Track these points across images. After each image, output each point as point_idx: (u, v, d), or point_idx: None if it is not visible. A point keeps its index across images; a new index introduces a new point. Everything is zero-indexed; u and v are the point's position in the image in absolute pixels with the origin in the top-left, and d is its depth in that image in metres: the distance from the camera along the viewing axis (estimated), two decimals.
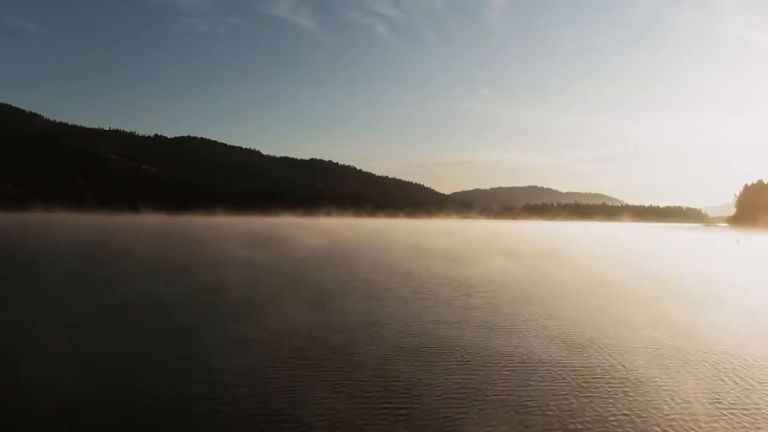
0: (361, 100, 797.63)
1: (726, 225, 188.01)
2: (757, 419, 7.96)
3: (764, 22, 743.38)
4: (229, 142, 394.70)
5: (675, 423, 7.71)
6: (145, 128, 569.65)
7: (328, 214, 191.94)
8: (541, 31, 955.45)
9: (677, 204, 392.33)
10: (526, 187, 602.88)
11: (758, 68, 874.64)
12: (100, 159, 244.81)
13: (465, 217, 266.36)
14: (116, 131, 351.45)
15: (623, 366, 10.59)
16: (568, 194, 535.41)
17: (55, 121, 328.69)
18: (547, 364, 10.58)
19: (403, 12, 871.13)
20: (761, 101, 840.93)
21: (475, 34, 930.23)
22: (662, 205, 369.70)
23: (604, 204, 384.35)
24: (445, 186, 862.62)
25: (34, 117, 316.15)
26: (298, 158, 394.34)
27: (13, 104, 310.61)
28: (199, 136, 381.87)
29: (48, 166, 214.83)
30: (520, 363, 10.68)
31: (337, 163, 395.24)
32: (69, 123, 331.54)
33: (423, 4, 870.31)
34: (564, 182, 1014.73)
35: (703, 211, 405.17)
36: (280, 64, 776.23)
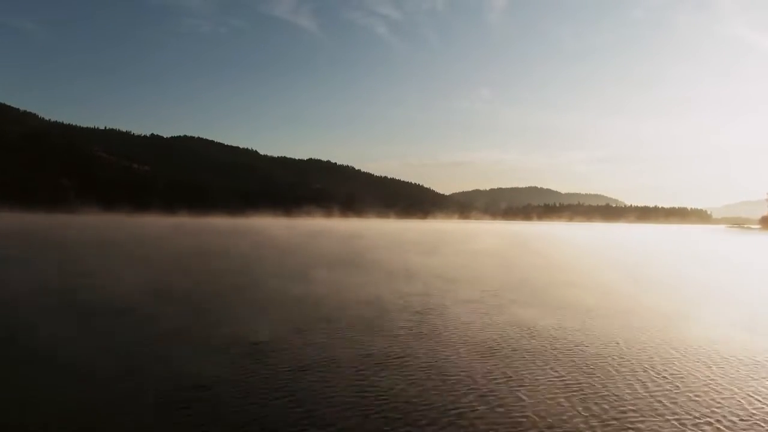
0: (361, 101, 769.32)
1: (758, 227, 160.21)
2: None
3: (764, 24, 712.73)
4: (226, 142, 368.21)
5: None
6: (142, 128, 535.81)
7: (309, 214, 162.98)
8: (542, 32, 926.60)
9: (680, 205, 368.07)
10: (525, 188, 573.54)
11: (758, 70, 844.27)
12: (86, 158, 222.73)
13: (466, 218, 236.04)
14: (112, 130, 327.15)
15: None
16: (568, 195, 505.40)
17: (49, 120, 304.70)
18: None
19: (404, 13, 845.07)
20: (761, 103, 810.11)
21: (476, 34, 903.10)
22: (666, 206, 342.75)
23: (608, 205, 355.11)
24: (445, 186, 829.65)
25: (28, 116, 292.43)
26: (296, 158, 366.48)
27: (8, 103, 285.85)
28: (196, 136, 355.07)
29: (32, 164, 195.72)
30: None
31: (335, 163, 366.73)
32: (64, 122, 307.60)
33: (424, 4, 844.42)
34: (564, 183, 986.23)
35: (708, 212, 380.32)
36: (281, 64, 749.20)
